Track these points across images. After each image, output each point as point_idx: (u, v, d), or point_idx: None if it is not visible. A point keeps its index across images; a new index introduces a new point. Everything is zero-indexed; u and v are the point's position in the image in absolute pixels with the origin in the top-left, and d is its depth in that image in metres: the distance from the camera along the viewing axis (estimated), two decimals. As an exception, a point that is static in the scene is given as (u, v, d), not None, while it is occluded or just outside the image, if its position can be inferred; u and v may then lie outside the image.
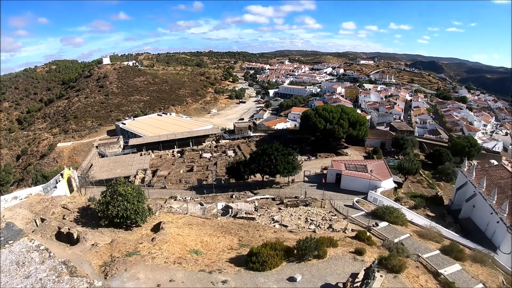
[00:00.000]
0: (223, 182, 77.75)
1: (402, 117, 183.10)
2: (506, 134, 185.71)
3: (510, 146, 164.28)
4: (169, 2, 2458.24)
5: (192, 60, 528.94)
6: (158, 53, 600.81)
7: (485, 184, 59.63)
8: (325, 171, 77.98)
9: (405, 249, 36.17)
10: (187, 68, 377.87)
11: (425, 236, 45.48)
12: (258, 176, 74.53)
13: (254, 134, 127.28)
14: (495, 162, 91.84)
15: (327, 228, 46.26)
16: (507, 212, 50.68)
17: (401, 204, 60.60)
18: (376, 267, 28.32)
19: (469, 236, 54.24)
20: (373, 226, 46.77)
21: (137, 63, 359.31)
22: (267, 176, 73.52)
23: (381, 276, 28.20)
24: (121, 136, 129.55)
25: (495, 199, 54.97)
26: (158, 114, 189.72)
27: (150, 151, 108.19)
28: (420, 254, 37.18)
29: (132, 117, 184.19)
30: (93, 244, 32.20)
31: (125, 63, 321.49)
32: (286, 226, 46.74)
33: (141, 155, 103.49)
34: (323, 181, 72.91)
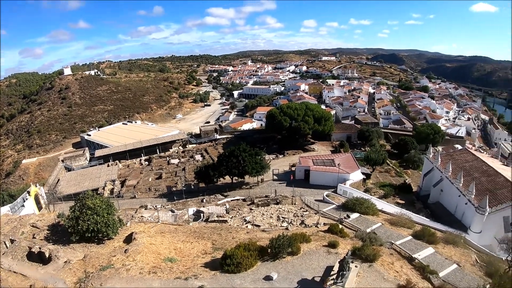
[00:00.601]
0: (192, 187, 77.35)
1: (366, 110, 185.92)
2: (468, 119, 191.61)
3: (473, 130, 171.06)
4: (129, 7, 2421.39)
5: (155, 66, 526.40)
6: (120, 61, 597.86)
7: (451, 168, 61.30)
8: (293, 168, 78.54)
9: (378, 238, 36.56)
10: (150, 74, 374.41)
11: (396, 223, 46.21)
12: (227, 178, 74.47)
13: (221, 137, 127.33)
14: (459, 147, 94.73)
15: (299, 224, 46.37)
16: (474, 193, 52.62)
17: (370, 195, 61.45)
18: (350, 258, 28.66)
19: (440, 219, 55.90)
20: (345, 218, 47.20)
21: (99, 72, 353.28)
22: (236, 178, 73.50)
23: (356, 266, 28.48)
24: (86, 148, 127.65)
25: (462, 182, 56.88)
26: (123, 123, 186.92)
27: (117, 161, 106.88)
28: (393, 242, 37.65)
29: (97, 127, 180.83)
30: (66, 262, 31.49)
31: (87, 72, 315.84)
32: (258, 226, 46.61)
33: (108, 166, 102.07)
34: (292, 178, 73.22)
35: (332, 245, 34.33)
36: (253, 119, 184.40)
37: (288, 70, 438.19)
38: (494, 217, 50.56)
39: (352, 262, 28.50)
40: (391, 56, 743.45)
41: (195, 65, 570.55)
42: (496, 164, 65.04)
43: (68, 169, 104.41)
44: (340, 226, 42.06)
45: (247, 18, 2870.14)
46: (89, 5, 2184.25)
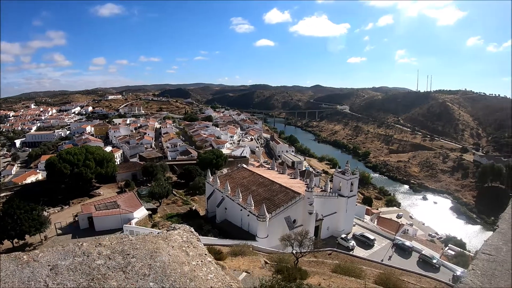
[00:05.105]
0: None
1: (153, 145, 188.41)
2: (251, 139, 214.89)
3: (256, 149, 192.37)
4: None
5: None
6: None
7: (229, 187, 66.44)
8: (77, 218, 74.96)
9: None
10: None
11: (180, 252, 46.76)
12: (8, 243, 66.81)
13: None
14: (244, 165, 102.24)
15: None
16: (253, 205, 58.68)
17: (159, 228, 61.81)
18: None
19: (229, 235, 60.14)
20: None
21: None
22: (17, 240, 66.23)
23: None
24: None
25: (241, 197, 62.60)
26: None
27: None
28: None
29: None
30: None
31: None
32: None
33: None
34: (74, 224, 71.79)
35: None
36: (38, 170, 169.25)
37: (74, 112, 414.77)
38: (277, 220, 57.45)
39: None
40: (178, 91, 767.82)
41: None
42: (272, 175, 72.23)
43: None
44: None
45: (34, 55, 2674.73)
46: None
